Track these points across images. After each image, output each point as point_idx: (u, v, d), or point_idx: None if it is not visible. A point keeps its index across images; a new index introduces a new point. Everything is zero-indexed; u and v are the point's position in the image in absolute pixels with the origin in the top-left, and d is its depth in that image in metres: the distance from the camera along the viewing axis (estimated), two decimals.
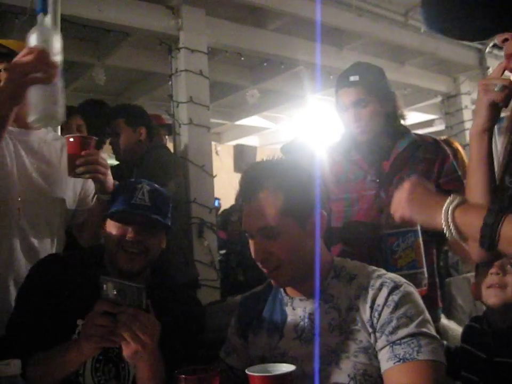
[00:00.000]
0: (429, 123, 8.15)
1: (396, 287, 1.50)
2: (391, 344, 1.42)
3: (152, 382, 1.53)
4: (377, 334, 1.46)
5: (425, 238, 2.14)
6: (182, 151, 4.03)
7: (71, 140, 1.94)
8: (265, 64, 5.28)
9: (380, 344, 1.45)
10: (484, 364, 1.95)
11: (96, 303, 1.47)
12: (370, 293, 1.51)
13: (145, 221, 1.77)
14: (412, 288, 1.53)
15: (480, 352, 1.99)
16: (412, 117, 7.68)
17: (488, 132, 1.44)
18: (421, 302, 1.52)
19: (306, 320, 1.58)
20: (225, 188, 4.40)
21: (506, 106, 1.41)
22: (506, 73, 1.40)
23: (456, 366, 2.04)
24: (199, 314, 1.90)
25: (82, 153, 1.90)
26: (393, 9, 4.94)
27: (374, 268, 1.63)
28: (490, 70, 6.00)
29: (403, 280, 1.56)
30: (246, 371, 1.34)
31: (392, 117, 2.36)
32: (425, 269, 2.07)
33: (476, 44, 5.81)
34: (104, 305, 1.46)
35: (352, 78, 2.30)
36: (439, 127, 7.79)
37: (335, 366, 1.49)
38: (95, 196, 2.12)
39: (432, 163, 2.32)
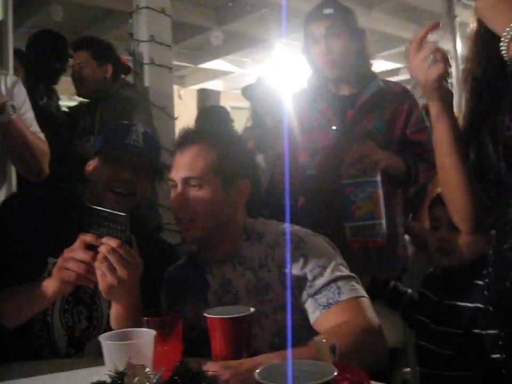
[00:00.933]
0: (394, 72, 8.12)
1: (300, 241, 1.52)
2: (312, 296, 1.45)
3: (125, 322, 1.46)
4: (296, 291, 1.47)
5: (390, 189, 2.12)
6: (142, 92, 3.90)
7: None
8: (230, 4, 5.13)
9: (302, 299, 1.47)
10: (434, 306, 2.00)
11: (79, 236, 1.41)
12: (277, 251, 1.53)
13: (138, 162, 1.73)
14: (318, 238, 1.56)
15: (432, 295, 2.02)
16: (378, 65, 7.61)
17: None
18: (328, 248, 1.55)
19: (225, 285, 1.58)
20: None
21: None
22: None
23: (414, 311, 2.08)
24: (172, 257, 1.86)
25: None
26: None
27: (281, 223, 1.62)
28: (458, 19, 5.95)
29: (307, 231, 1.57)
30: (205, 314, 1.32)
31: (360, 57, 2.30)
32: (383, 220, 2.05)
33: None
34: (87, 237, 1.40)
35: (326, 11, 2.26)
36: (405, 76, 7.76)
37: (257, 327, 1.49)
38: None
39: (399, 112, 2.28)
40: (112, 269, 1.35)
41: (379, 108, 2.27)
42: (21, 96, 2.15)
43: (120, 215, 1.38)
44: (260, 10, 5.26)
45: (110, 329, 1.45)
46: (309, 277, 1.46)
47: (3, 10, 2.61)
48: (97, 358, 1.33)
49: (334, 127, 2.26)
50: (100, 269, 1.36)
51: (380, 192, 2.03)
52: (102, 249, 1.36)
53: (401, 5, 5.78)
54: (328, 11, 2.25)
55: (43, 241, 1.64)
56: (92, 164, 1.77)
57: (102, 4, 5.20)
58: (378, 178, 2.05)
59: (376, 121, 2.25)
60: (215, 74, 8.95)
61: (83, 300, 1.68)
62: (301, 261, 1.48)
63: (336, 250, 1.57)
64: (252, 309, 1.33)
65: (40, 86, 3.25)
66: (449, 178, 1.32)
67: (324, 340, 1.03)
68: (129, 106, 3.11)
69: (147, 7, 3.93)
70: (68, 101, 7.06)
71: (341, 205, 2.09)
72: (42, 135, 2.18)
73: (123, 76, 4.02)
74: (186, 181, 1.55)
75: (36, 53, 3.48)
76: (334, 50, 2.24)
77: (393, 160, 2.16)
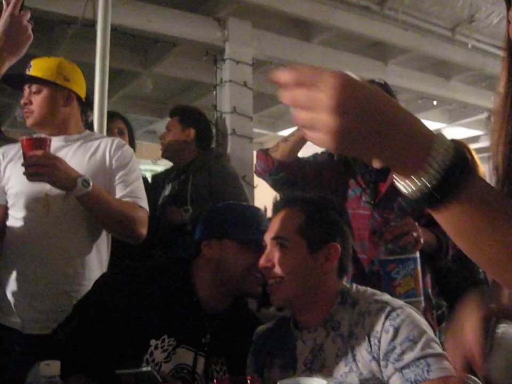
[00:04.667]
0: (474, 139, 8.03)
1: (392, 310, 1.48)
2: (400, 370, 1.40)
3: None
4: (382, 363, 1.44)
5: (421, 264, 2.11)
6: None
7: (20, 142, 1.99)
8: None
9: (387, 372, 1.43)
10: None
11: None
12: (368, 319, 1.50)
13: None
14: (409, 309, 1.50)
15: None
16: (457, 133, 7.57)
17: None
18: (421, 321, 1.49)
19: (316, 350, 1.57)
20: (266, 198, 4.44)
21: None
22: None
23: None
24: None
25: (27, 156, 1.94)
26: (441, 24, 4.90)
27: (374, 291, 1.62)
28: None
29: (400, 302, 1.54)
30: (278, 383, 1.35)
31: None
32: (422, 298, 2.03)
33: None
34: None
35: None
36: (485, 143, 7.67)
37: None
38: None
39: None
40: None
41: None
42: (123, 160, 2.25)
43: (145, 371, 1.44)
44: None
45: None
46: (398, 350, 1.41)
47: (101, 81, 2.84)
48: None
49: (364, 198, 2.27)
50: None
51: (419, 269, 2.02)
52: None
53: (479, 74, 5.78)
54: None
55: (145, 322, 1.67)
56: (219, 245, 1.80)
57: (187, 76, 5.48)
58: (418, 254, 2.05)
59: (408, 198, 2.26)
60: None
61: None
62: (391, 332, 1.44)
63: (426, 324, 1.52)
64: (324, 382, 1.32)
65: None
66: None
67: None
68: (224, 180, 3.20)
69: (230, 81, 4.15)
70: (151, 165, 7.38)
71: (376, 278, 2.09)
72: (141, 200, 2.23)
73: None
74: (273, 241, 1.62)
75: None
76: None
77: (427, 235, 2.14)
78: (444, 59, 5.36)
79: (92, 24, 3.28)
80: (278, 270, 1.59)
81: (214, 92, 4.35)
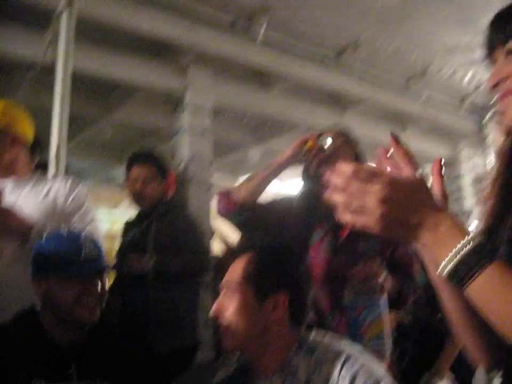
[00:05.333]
0: None
1: (349, 358, 1.47)
2: None
3: None
4: None
5: None
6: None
7: None
8: (268, 124, 5.36)
9: None
10: None
11: None
12: (325, 366, 1.49)
13: (99, 273, 1.83)
14: (366, 356, 1.50)
15: None
16: None
17: None
18: (378, 369, 1.48)
19: None
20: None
21: None
22: None
23: None
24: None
25: None
26: (395, 76, 5.06)
27: (333, 337, 1.61)
28: (490, 137, 6.10)
29: (357, 349, 1.53)
30: None
31: None
32: (390, 340, 2.03)
33: (475, 111, 5.91)
34: None
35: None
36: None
37: None
38: None
39: None
40: None
41: None
42: (77, 201, 2.24)
43: None
44: (296, 129, 5.45)
45: None
46: None
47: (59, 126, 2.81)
48: None
49: (325, 243, 2.24)
50: None
51: (388, 311, 2.02)
52: None
53: (433, 124, 5.94)
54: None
55: (10, 376, 1.66)
56: (45, 283, 1.80)
57: (147, 123, 5.45)
58: (385, 297, 2.04)
59: (370, 240, 2.23)
60: None
61: None
62: (347, 380, 1.42)
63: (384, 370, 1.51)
64: None
65: None
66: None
67: None
68: (186, 230, 3.17)
69: (189, 128, 4.17)
70: (109, 210, 7.27)
71: (337, 324, 2.08)
72: None
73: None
74: (223, 285, 1.62)
75: None
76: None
77: (389, 280, 2.14)
78: (399, 110, 5.50)
79: (51, 68, 3.27)
80: (225, 317, 1.57)
81: (173, 139, 4.35)
